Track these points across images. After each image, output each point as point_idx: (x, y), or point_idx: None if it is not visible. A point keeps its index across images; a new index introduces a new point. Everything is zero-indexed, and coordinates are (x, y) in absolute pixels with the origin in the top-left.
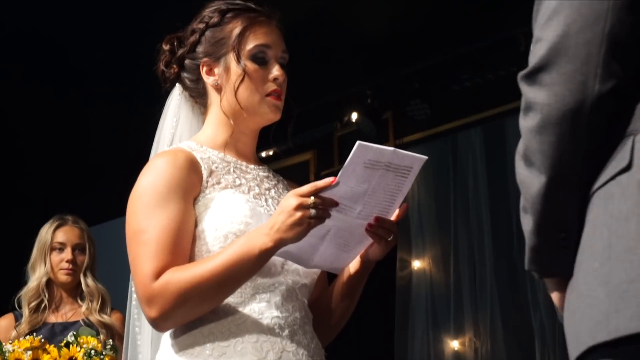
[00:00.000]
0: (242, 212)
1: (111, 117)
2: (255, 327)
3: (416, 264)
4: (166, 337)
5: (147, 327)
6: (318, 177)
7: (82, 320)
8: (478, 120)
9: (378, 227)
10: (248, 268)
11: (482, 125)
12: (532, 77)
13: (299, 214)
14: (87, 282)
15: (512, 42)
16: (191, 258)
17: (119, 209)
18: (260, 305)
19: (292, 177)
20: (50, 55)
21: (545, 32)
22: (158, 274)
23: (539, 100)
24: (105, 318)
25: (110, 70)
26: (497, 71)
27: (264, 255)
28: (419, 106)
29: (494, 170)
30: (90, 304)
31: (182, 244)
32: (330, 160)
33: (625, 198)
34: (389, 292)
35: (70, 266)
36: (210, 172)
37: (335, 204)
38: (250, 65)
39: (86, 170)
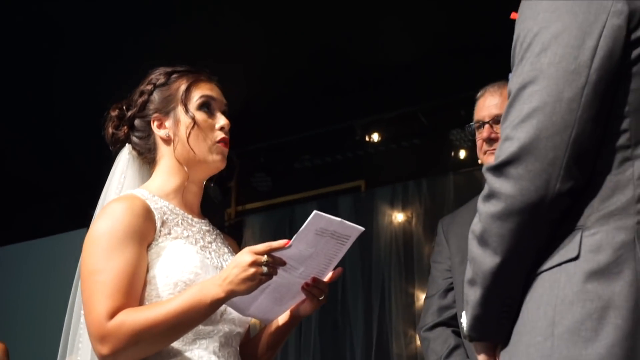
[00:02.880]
0: (192, 262)
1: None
2: None
3: None
4: None
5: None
6: None
7: None
8: (314, 196)
9: (313, 287)
10: (199, 315)
11: (318, 200)
12: (500, 169)
13: (252, 270)
14: None
15: (350, 131)
16: (141, 301)
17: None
18: (199, 350)
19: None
20: None
21: (517, 133)
22: (112, 314)
23: (503, 191)
24: None
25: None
26: (334, 155)
27: (215, 305)
28: (263, 178)
29: None
30: None
31: (136, 287)
32: None
33: (571, 284)
34: None
35: None
36: (163, 222)
37: (284, 263)
38: (199, 115)
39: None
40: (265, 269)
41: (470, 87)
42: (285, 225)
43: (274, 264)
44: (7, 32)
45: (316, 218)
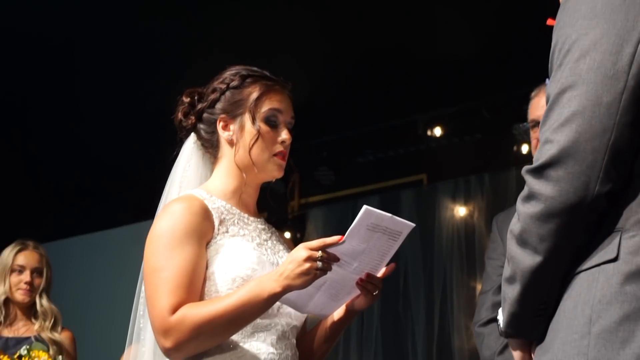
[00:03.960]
0: (249, 258)
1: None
2: None
3: None
4: None
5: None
6: None
7: (34, 336)
8: (377, 189)
9: (367, 282)
10: (256, 309)
11: (380, 194)
12: (540, 171)
13: (307, 265)
14: (42, 303)
15: (412, 125)
16: (201, 296)
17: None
18: (257, 343)
19: None
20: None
21: (557, 136)
22: (175, 309)
23: (544, 192)
24: (56, 335)
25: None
26: (396, 149)
27: (272, 299)
28: (326, 172)
29: None
30: (43, 322)
31: (196, 283)
32: None
33: (609, 285)
34: None
35: (28, 287)
36: (221, 221)
37: (337, 259)
38: (264, 127)
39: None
40: (319, 264)
41: (534, 83)
42: (348, 218)
43: (328, 259)
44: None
45: (367, 213)
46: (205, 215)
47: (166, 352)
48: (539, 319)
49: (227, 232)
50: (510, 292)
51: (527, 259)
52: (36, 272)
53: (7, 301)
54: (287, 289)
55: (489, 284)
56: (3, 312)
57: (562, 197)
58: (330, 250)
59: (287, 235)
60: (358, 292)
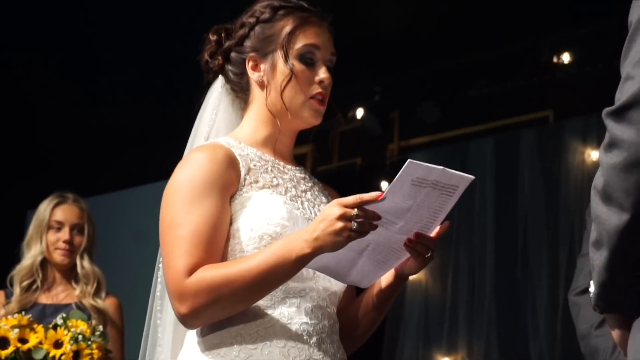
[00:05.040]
0: (279, 214)
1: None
2: (284, 332)
3: None
4: (191, 334)
5: (169, 321)
6: (314, 172)
7: (75, 303)
8: (491, 129)
9: (417, 243)
10: (283, 272)
11: (495, 135)
12: (621, 114)
13: (340, 224)
14: (83, 265)
15: (535, 51)
16: (224, 256)
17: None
18: (290, 310)
19: None
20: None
21: (638, 71)
22: (191, 270)
23: (625, 138)
24: (99, 302)
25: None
26: (516, 80)
27: (301, 261)
28: (430, 108)
29: (503, 184)
30: (84, 287)
31: (217, 242)
32: (328, 157)
33: None
34: None
35: (67, 246)
36: (248, 170)
37: (377, 217)
38: (298, 65)
39: (98, 142)
40: (355, 224)
41: None
42: (456, 163)
43: (366, 218)
44: None
45: (410, 167)
46: (229, 163)
47: (182, 318)
48: (633, 289)
49: (255, 182)
50: (598, 259)
51: (613, 218)
52: (76, 228)
53: (45, 262)
54: (317, 251)
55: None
56: (40, 275)
57: None
58: (369, 207)
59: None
60: (407, 255)
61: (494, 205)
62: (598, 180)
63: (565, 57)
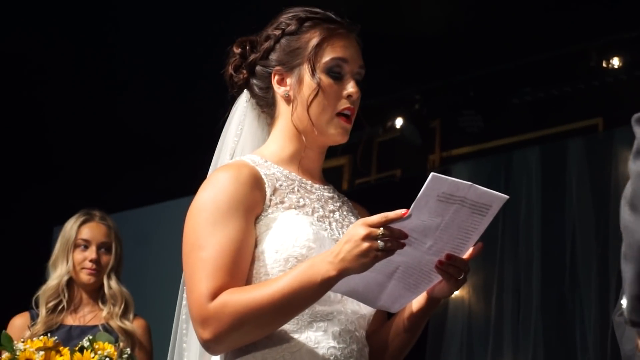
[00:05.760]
0: (305, 235)
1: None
2: (311, 356)
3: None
4: (216, 359)
5: (194, 345)
6: (352, 185)
7: (102, 325)
8: (537, 139)
9: (449, 265)
10: (309, 296)
11: (541, 145)
12: None
13: (366, 245)
14: (111, 285)
15: (582, 56)
16: (249, 279)
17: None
18: (317, 334)
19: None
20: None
21: None
22: (214, 295)
23: None
24: (127, 324)
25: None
26: (562, 87)
27: (326, 284)
28: (472, 117)
29: (550, 196)
30: (112, 308)
31: (241, 265)
32: (367, 168)
33: None
34: None
35: (94, 266)
36: (274, 190)
37: (404, 236)
38: (325, 80)
39: (117, 159)
40: (381, 243)
41: None
42: (500, 175)
43: (392, 237)
44: None
45: (434, 181)
46: (254, 184)
47: (205, 344)
48: None
49: (281, 202)
50: (627, 271)
51: None
52: (104, 247)
53: (71, 282)
54: (343, 273)
55: None
56: (67, 295)
57: None
58: (395, 225)
59: None
60: (439, 277)
61: (540, 218)
62: (628, 190)
63: (615, 62)
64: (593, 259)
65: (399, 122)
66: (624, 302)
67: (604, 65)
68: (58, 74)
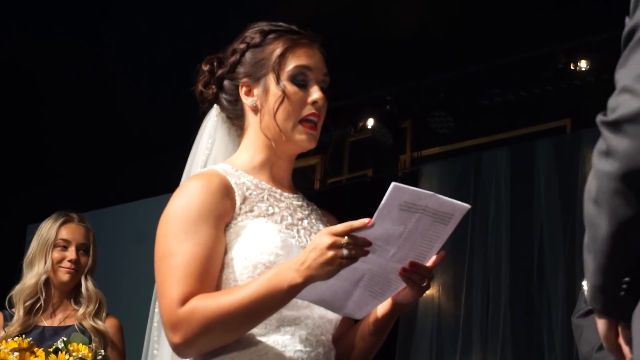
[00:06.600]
0: (273, 242)
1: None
2: (278, 359)
3: None
4: None
5: (166, 352)
6: (324, 184)
7: (77, 325)
8: (506, 140)
9: (412, 272)
10: (275, 302)
11: (510, 145)
12: (618, 125)
13: (331, 253)
14: (87, 286)
15: (550, 59)
16: (218, 285)
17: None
18: (284, 338)
19: (293, 182)
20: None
21: (638, 86)
22: (185, 300)
23: (620, 150)
24: (99, 324)
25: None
26: (531, 89)
27: (292, 291)
28: (443, 118)
29: (519, 196)
30: (86, 308)
31: (211, 271)
32: (339, 167)
33: None
34: None
35: (73, 266)
36: (244, 199)
37: (368, 243)
38: (290, 87)
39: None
40: (345, 251)
41: None
42: (470, 175)
43: (356, 244)
44: None
45: (396, 191)
46: (224, 193)
47: (175, 348)
48: (624, 296)
49: (251, 211)
50: (590, 262)
51: (603, 224)
52: (82, 249)
53: (47, 282)
54: (309, 280)
55: None
56: (44, 294)
57: (638, 157)
58: (359, 234)
59: None
60: (403, 284)
61: (509, 218)
62: (592, 186)
63: (582, 65)
64: (560, 259)
65: (370, 122)
66: (584, 286)
67: (572, 67)
68: (53, 71)
